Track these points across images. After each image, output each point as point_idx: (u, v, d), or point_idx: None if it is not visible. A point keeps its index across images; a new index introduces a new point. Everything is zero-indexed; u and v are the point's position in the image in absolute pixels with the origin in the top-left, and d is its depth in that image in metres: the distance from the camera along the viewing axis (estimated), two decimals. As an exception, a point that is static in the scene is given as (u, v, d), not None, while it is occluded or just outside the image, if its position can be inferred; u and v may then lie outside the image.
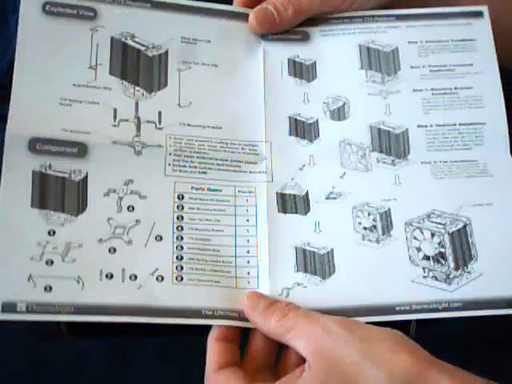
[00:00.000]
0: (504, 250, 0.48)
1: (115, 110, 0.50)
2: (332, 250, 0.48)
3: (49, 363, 0.50)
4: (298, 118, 0.53)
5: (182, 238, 0.48)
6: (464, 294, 0.47)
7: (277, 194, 0.50)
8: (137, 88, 0.51)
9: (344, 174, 0.51)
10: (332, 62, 0.55)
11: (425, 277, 0.47)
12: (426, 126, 0.52)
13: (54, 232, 0.46)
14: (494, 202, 0.50)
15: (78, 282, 0.45)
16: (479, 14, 0.55)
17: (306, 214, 0.50)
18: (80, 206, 0.47)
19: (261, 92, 0.53)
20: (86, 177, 0.48)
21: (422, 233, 0.49)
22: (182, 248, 0.48)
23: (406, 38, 0.55)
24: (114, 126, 0.50)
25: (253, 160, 0.51)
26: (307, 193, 0.50)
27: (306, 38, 0.55)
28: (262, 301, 0.46)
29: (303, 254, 0.48)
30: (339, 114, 0.53)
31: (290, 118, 0.53)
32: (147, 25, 0.53)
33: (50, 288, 0.45)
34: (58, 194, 0.47)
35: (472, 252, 0.48)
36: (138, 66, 0.52)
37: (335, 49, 0.55)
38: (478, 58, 0.54)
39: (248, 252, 0.48)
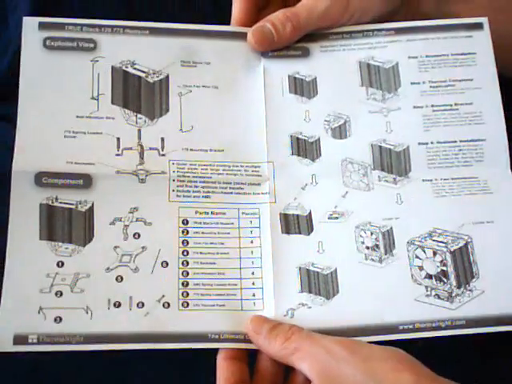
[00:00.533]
0: (505, 267, 0.49)
1: (118, 139, 0.51)
2: (335, 269, 0.49)
3: (49, 363, 0.51)
4: (300, 136, 0.53)
5: (187, 263, 0.49)
6: (466, 312, 0.47)
7: (280, 214, 0.51)
8: (139, 115, 0.52)
9: (346, 193, 0.52)
10: (332, 79, 0.55)
11: (427, 295, 0.48)
12: (426, 144, 0.53)
13: (63, 263, 0.48)
14: (495, 220, 0.50)
15: (87, 312, 0.46)
16: (479, 26, 0.55)
17: (309, 234, 0.50)
18: (87, 235, 0.49)
19: (262, 111, 0.54)
20: (92, 207, 0.49)
21: (424, 252, 0.49)
22: (187, 274, 0.49)
23: (406, 53, 0.55)
24: (118, 155, 0.51)
25: (256, 181, 0.52)
26: (310, 213, 0.51)
27: (306, 53, 0.55)
28: (265, 324, 0.46)
29: (307, 274, 0.49)
30: (340, 132, 0.53)
31: (291, 137, 0.53)
32: (147, 51, 0.54)
33: (60, 319, 0.46)
34: (66, 226, 0.49)
35: (473, 270, 0.49)
36: (139, 93, 0.53)
37: (335, 65, 0.55)
38: (478, 73, 0.54)
39: (253, 274, 0.49)
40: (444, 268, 0.49)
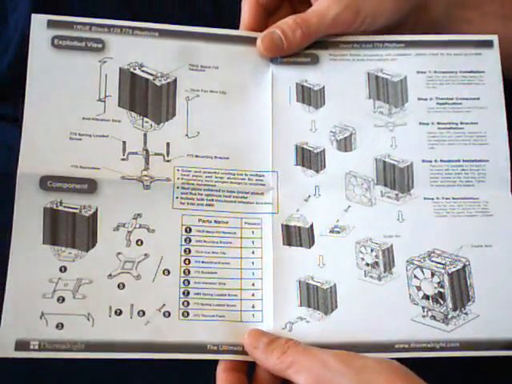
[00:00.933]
0: (501, 292, 0.50)
1: (124, 143, 0.51)
2: (335, 285, 0.50)
3: (49, 363, 0.51)
4: (305, 147, 0.53)
5: (188, 272, 0.49)
6: (461, 335, 0.48)
7: (282, 225, 0.51)
8: (145, 119, 0.52)
9: (349, 207, 0.52)
10: (340, 89, 0.55)
11: (424, 316, 0.49)
12: (430, 161, 0.53)
13: (66, 268, 0.48)
14: (493, 244, 0.51)
15: (89, 319, 0.47)
16: (489, 44, 0.55)
17: (310, 247, 0.51)
18: (90, 241, 0.49)
19: (269, 119, 0.54)
20: (96, 212, 0.49)
21: (423, 272, 0.50)
22: (188, 283, 0.49)
23: (414, 68, 0.55)
24: (123, 159, 0.51)
25: (259, 191, 0.52)
26: (312, 225, 0.51)
27: (315, 61, 0.55)
28: (262, 338, 0.47)
29: (307, 288, 0.50)
30: (346, 144, 0.54)
31: (296, 146, 0.53)
32: (155, 54, 0.53)
33: (62, 325, 0.46)
34: (69, 230, 0.49)
35: (470, 293, 0.50)
36: (146, 97, 0.52)
37: (344, 75, 0.55)
38: (485, 92, 0.54)
39: (253, 285, 0.50)
40: (441, 290, 0.50)
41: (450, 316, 0.49)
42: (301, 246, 0.51)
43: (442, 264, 0.50)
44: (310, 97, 0.54)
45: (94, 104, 0.51)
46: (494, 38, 0.55)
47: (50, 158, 0.50)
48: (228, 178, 0.52)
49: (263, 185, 0.52)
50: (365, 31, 0.56)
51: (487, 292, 0.50)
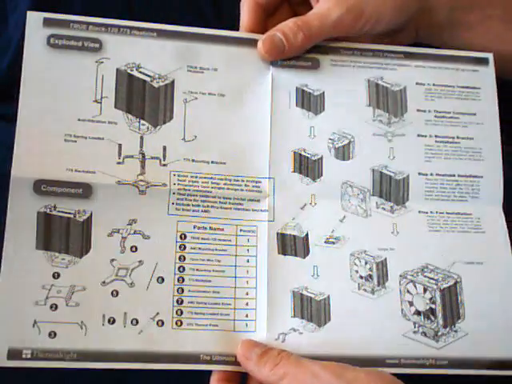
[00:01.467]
0: (490, 311, 0.50)
1: (120, 146, 0.50)
2: (328, 296, 0.50)
3: None
4: (303, 153, 0.53)
5: (183, 280, 0.49)
6: (450, 352, 0.49)
7: (277, 234, 0.51)
8: (142, 122, 0.51)
9: (344, 217, 0.52)
10: (340, 95, 0.54)
11: (415, 332, 0.50)
12: (426, 175, 0.53)
13: (59, 275, 0.47)
14: (485, 261, 0.51)
15: (82, 328, 0.46)
16: (485, 62, 0.56)
17: (305, 256, 0.51)
18: (84, 247, 0.48)
19: (267, 123, 0.53)
20: (91, 217, 0.48)
21: (416, 287, 0.50)
22: (182, 291, 0.49)
23: (414, 79, 0.55)
24: (119, 163, 0.50)
25: (255, 197, 0.52)
26: (307, 234, 0.51)
27: (316, 65, 0.54)
28: (255, 349, 0.47)
29: (300, 298, 0.50)
30: (344, 152, 0.53)
31: (294, 153, 0.53)
32: (153, 54, 0.52)
33: (55, 334, 0.46)
34: (63, 236, 0.48)
35: (460, 311, 0.50)
36: (143, 98, 0.51)
37: (344, 81, 0.54)
38: (481, 108, 0.55)
39: (247, 294, 0.50)
40: (432, 306, 0.50)
41: (440, 333, 0.50)
42: (295, 255, 0.51)
43: (435, 280, 0.51)
44: (309, 102, 0.54)
45: (90, 105, 0.50)
46: (490, 56, 0.56)
47: (44, 160, 0.48)
48: (224, 184, 0.51)
49: (259, 192, 0.52)
50: (366, 34, 0.55)
51: (477, 310, 0.50)
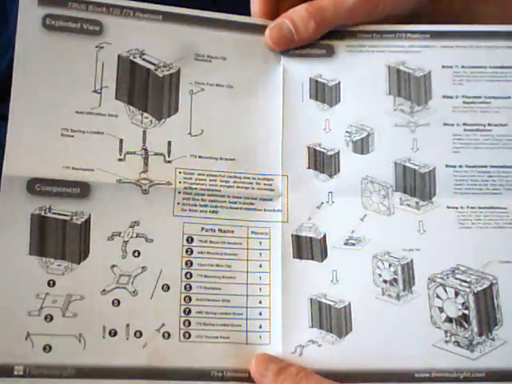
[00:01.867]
0: None
1: (121, 141, 0.46)
2: (349, 304, 0.46)
3: None
4: (318, 148, 0.49)
5: (190, 288, 0.45)
6: (487, 363, 0.44)
7: (292, 236, 0.47)
8: (145, 114, 0.47)
9: (365, 216, 0.48)
10: (358, 84, 0.50)
11: (446, 341, 0.45)
12: (454, 167, 0.49)
13: (54, 282, 0.43)
14: None
15: (80, 341, 0.42)
16: None
17: (322, 260, 0.47)
18: (82, 252, 0.44)
19: (279, 117, 0.49)
20: (89, 219, 0.44)
21: (446, 291, 0.46)
22: (190, 299, 0.45)
23: (440, 62, 0.50)
24: (120, 160, 0.46)
25: (268, 196, 0.47)
26: (325, 236, 0.47)
27: (330, 53, 0.50)
28: (271, 365, 0.43)
29: (319, 307, 0.45)
30: (362, 146, 0.49)
31: (309, 148, 0.49)
32: (158, 40, 0.48)
33: (50, 348, 0.42)
34: (59, 239, 0.44)
35: (497, 316, 0.46)
36: (146, 89, 0.47)
37: (362, 68, 0.50)
38: None
39: (260, 302, 0.46)
40: (466, 311, 0.46)
41: (475, 342, 0.45)
42: (312, 259, 0.47)
43: (467, 282, 0.46)
44: (324, 93, 0.50)
45: (89, 96, 0.46)
46: None
47: (39, 157, 0.44)
48: (234, 182, 0.47)
49: (272, 190, 0.47)
50: (381, 22, 0.51)
51: None
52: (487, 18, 0.53)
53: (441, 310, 0.46)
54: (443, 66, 0.50)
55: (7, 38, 0.57)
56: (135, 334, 0.43)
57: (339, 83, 0.50)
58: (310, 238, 0.47)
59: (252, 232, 0.47)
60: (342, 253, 0.47)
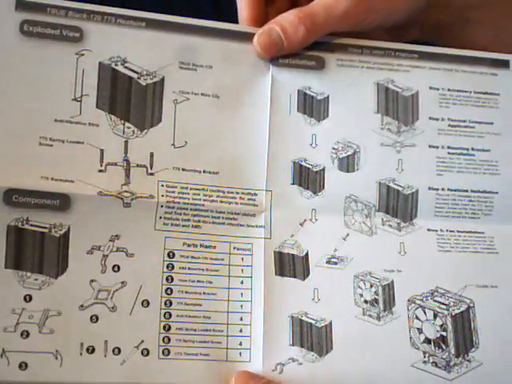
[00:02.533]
0: (506, 339, 0.46)
1: (102, 152, 0.44)
2: (330, 323, 0.45)
3: None
4: (304, 164, 0.48)
5: (170, 304, 0.44)
6: None
7: (275, 252, 0.46)
8: (127, 124, 0.45)
9: (347, 235, 0.47)
10: (346, 100, 0.49)
11: (425, 362, 0.45)
12: (437, 189, 0.49)
13: (31, 297, 0.42)
14: (499, 284, 0.47)
15: (57, 358, 0.41)
16: (505, 64, 0.51)
17: (304, 278, 0.46)
18: (60, 265, 0.43)
19: (265, 129, 0.48)
20: (68, 232, 0.43)
21: (425, 313, 0.46)
22: (170, 316, 0.44)
23: (427, 83, 0.50)
24: (101, 171, 0.44)
25: (251, 212, 0.47)
26: (307, 254, 0.47)
27: (320, 65, 0.49)
28: (251, 383, 0.43)
29: (300, 325, 0.45)
30: (348, 163, 0.49)
31: (294, 163, 0.48)
32: (141, 47, 0.46)
33: (26, 365, 0.41)
34: (36, 253, 0.42)
35: (473, 338, 0.46)
36: (129, 97, 0.46)
37: (351, 84, 0.49)
38: (499, 117, 0.50)
39: (241, 319, 0.45)
40: (444, 333, 0.46)
41: (452, 363, 0.46)
42: (294, 276, 0.46)
43: (446, 305, 0.46)
44: (312, 107, 0.49)
45: (69, 104, 0.44)
46: (510, 58, 0.51)
47: (15, 167, 0.43)
48: (217, 197, 0.46)
49: (255, 205, 0.47)
50: (372, 33, 0.50)
51: (491, 338, 0.46)
52: (480, 26, 0.54)
53: (420, 331, 0.46)
54: (430, 88, 0.50)
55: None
56: (113, 350, 0.42)
57: (328, 97, 0.49)
58: (293, 256, 0.47)
59: (234, 248, 0.46)
60: (323, 272, 0.46)
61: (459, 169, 0.49)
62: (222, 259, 0.46)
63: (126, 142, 0.45)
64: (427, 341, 0.46)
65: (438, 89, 0.50)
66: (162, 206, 0.45)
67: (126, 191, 0.44)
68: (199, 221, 0.46)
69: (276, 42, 0.48)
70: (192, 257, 0.45)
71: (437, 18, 0.53)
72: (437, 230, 0.48)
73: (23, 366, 0.41)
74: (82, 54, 0.45)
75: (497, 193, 0.49)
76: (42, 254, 0.42)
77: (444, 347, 0.46)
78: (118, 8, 0.46)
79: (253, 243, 0.46)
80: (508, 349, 0.46)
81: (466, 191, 0.49)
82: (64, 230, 0.43)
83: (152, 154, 0.46)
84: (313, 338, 0.45)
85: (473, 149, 0.50)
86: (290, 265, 0.46)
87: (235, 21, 0.50)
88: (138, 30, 0.46)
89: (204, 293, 0.45)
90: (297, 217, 0.47)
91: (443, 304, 0.46)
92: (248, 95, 0.48)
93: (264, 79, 0.48)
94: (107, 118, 0.45)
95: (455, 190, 0.49)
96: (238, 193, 0.47)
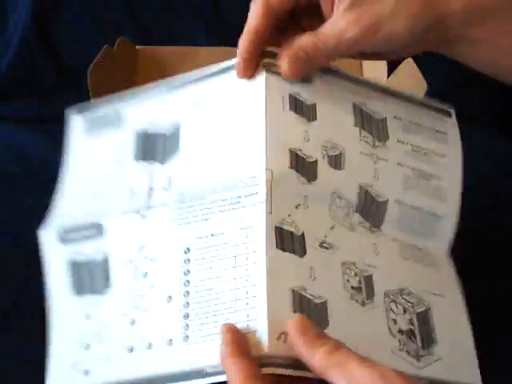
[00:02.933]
0: (458, 341, 0.52)
1: (131, 189, 0.55)
2: (326, 301, 0.47)
3: None
4: (299, 153, 0.51)
5: (188, 294, 0.48)
6: (430, 373, 0.49)
7: (276, 227, 0.48)
8: (151, 161, 0.55)
9: (333, 226, 0.51)
10: (330, 111, 0.54)
11: (400, 349, 0.49)
12: (401, 203, 0.54)
13: (89, 315, 0.51)
14: (445, 295, 0.53)
15: (108, 361, 0.49)
16: (447, 113, 0.59)
17: (302, 256, 0.48)
18: (104, 283, 0.52)
19: (262, 121, 0.51)
20: (106, 253, 0.52)
21: (397, 307, 0.51)
22: (188, 304, 0.48)
23: (392, 113, 0.56)
24: (129, 200, 0.54)
25: (253, 191, 0.49)
26: (303, 234, 0.49)
27: (308, 79, 0.53)
28: (312, 328, 0.43)
29: (300, 299, 0.46)
30: (336, 162, 0.52)
31: (291, 151, 0.50)
32: (159, 117, 0.56)
33: (87, 372, 0.50)
34: (87, 277, 0.52)
35: (433, 336, 0.51)
36: (155, 146, 0.56)
37: (334, 99, 0.54)
38: (448, 152, 0.57)
39: (247, 293, 0.47)
40: (412, 327, 0.50)
41: (420, 353, 0.50)
42: (294, 253, 0.48)
43: (411, 303, 0.51)
44: (302, 109, 0.52)
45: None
46: (452, 110, 0.58)
47: (69, 212, 0.54)
48: (221, 188, 0.51)
49: (257, 184, 0.49)
50: (377, 52, 0.54)
51: (445, 338, 0.51)
52: (481, 43, 0.54)
53: (395, 321, 0.50)
54: (395, 117, 0.58)
55: (7, 38, 0.59)
56: (147, 346, 0.49)
57: (315, 104, 0.53)
58: (291, 233, 0.48)
59: (240, 228, 0.49)
60: (318, 254, 0.49)
61: (419, 189, 0.55)
62: (230, 242, 0.49)
63: (151, 174, 0.55)
64: (401, 331, 0.50)
65: (401, 119, 0.58)
66: (173, 210, 0.52)
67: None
68: (207, 213, 0.50)
69: (303, 66, 0.52)
70: (204, 247, 0.49)
71: (438, 38, 0.54)
72: (398, 240, 0.54)
73: (87, 373, 0.51)
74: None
75: (441, 217, 0.56)
76: (91, 277, 0.53)
77: (413, 339, 0.50)
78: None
79: (256, 219, 0.48)
80: (460, 347, 0.52)
81: (422, 210, 0.55)
82: (103, 252, 0.54)
83: (170, 178, 0.54)
84: (311, 312, 0.47)
85: (431, 175, 0.56)
86: (289, 241, 0.48)
87: (235, 22, 0.52)
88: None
89: (215, 277, 0.48)
90: (293, 199, 0.50)
91: (410, 302, 0.51)
92: (244, 95, 0.53)
93: (259, 80, 0.52)
94: (138, 163, 0.58)
95: (415, 208, 0.55)
96: (241, 180, 0.50)
